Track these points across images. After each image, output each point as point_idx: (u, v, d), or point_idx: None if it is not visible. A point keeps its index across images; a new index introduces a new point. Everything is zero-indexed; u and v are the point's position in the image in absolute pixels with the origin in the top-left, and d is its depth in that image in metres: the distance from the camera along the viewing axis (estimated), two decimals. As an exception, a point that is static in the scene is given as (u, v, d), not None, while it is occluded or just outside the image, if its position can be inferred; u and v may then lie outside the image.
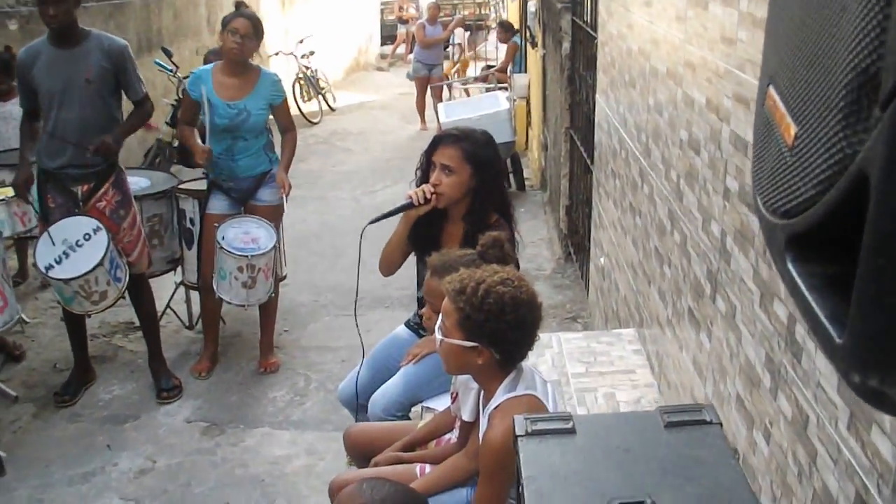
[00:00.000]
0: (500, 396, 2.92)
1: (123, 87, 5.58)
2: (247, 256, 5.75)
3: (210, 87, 5.81)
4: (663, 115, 4.23)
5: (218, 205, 5.98)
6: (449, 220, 4.19)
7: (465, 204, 4.11)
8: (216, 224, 5.84)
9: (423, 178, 4.18)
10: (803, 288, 0.74)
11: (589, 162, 6.77)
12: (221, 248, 5.75)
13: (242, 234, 5.85)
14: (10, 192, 6.40)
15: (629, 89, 5.03)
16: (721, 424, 2.05)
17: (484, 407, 3.05)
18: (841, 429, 2.33)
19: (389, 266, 4.39)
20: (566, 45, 7.88)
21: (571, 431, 1.97)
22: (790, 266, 0.77)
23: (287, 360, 6.40)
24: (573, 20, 7.68)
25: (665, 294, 4.23)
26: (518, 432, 1.96)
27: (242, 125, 5.79)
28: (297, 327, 6.91)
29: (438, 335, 2.88)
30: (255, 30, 5.81)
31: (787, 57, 0.84)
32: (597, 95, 6.22)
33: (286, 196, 5.93)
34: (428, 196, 4.03)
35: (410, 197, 4.08)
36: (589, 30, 6.67)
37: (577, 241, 7.67)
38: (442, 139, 4.15)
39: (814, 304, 0.73)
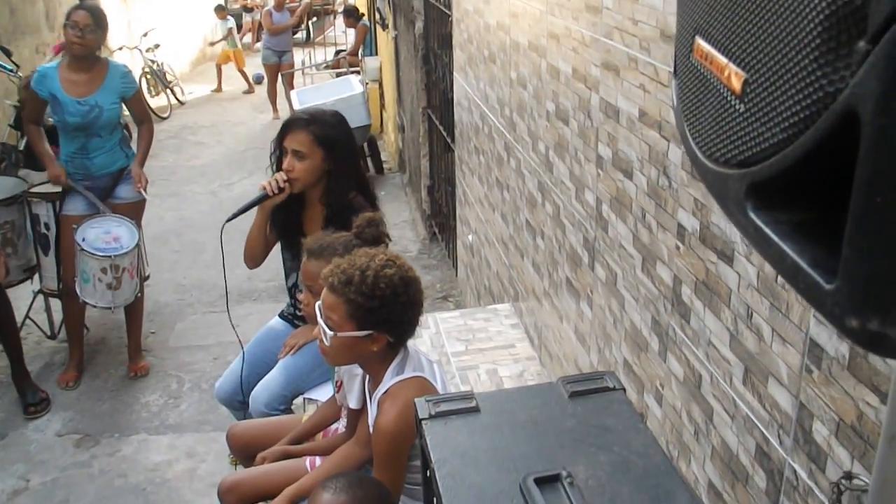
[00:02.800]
0: (388, 381, 2.87)
1: None
2: (110, 257, 5.55)
3: (57, 84, 5.58)
4: (527, 88, 4.22)
5: (76, 206, 5.76)
6: (308, 203, 4.13)
7: (322, 186, 4.05)
8: (74, 226, 5.62)
9: (278, 166, 4.12)
10: (774, 237, 0.71)
11: (449, 140, 6.74)
12: (82, 249, 5.53)
13: (103, 234, 5.64)
14: None
15: (489, 65, 5.01)
16: (624, 390, 2.03)
17: (371, 393, 3.00)
18: (736, 384, 2.35)
19: (254, 258, 4.30)
20: (419, 24, 7.83)
21: (475, 410, 1.93)
22: (753, 216, 0.74)
23: (157, 362, 6.22)
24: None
25: (540, 266, 4.23)
26: (421, 416, 1.90)
27: (95, 122, 5.59)
28: (164, 328, 6.73)
29: (327, 331, 2.80)
30: (97, 22, 5.59)
31: (719, 6, 0.81)
32: (454, 73, 6.20)
33: (144, 189, 5.76)
34: (281, 185, 3.97)
35: (264, 188, 4.01)
36: (442, 7, 6.64)
37: (441, 221, 7.66)
38: (291, 124, 4.07)
39: (791, 253, 0.69)
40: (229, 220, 3.95)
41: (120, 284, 5.67)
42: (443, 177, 7.46)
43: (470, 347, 4.42)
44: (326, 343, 2.81)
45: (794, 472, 2.08)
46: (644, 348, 3.02)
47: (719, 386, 2.46)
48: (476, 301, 5.89)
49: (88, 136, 5.64)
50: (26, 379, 5.85)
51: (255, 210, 4.10)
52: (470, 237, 5.99)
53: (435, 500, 1.80)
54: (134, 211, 5.83)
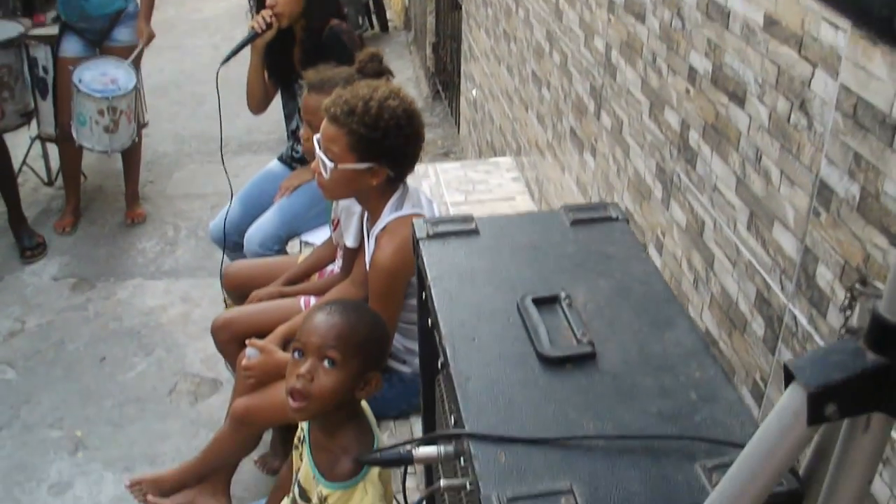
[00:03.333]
0: (386, 217, 2.83)
1: None
2: (107, 98, 5.43)
3: None
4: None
5: (71, 47, 5.63)
6: (296, 40, 4.10)
7: (304, 18, 4.03)
8: (71, 67, 5.50)
9: (258, 6, 4.09)
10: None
11: (457, -5, 6.60)
12: (79, 90, 5.42)
13: (100, 76, 5.51)
14: None
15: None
16: (628, 220, 1.98)
17: (369, 230, 2.96)
18: (740, 230, 2.30)
19: (255, 102, 4.28)
20: None
21: (475, 232, 1.88)
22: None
23: (154, 210, 6.16)
24: None
25: (544, 118, 4.16)
26: (419, 235, 1.86)
27: None
28: (161, 177, 6.65)
29: (327, 163, 2.73)
30: None
31: None
32: (461, -76, 6.04)
33: (145, 45, 5.64)
34: (268, 20, 3.95)
35: (253, 27, 3.98)
36: None
37: (444, 79, 7.54)
38: None
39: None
40: (223, 63, 3.97)
41: (117, 128, 5.57)
42: (448, 34, 7.32)
43: (469, 198, 4.36)
44: (326, 176, 2.75)
45: (795, 318, 2.05)
46: (647, 196, 2.97)
47: (722, 232, 2.41)
48: (478, 157, 5.82)
49: None
50: (23, 224, 5.81)
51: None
52: (474, 92, 5.89)
53: (430, 319, 1.76)
54: (130, 55, 5.68)
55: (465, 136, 6.40)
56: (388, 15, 10.57)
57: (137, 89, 5.66)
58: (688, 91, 2.59)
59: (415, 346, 3.01)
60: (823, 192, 1.89)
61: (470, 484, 1.39)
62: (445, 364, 1.56)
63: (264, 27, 3.95)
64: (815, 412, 1.00)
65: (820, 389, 0.99)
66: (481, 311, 1.65)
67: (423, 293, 1.83)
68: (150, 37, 5.71)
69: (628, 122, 3.10)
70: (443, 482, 1.49)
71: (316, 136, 2.80)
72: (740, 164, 2.28)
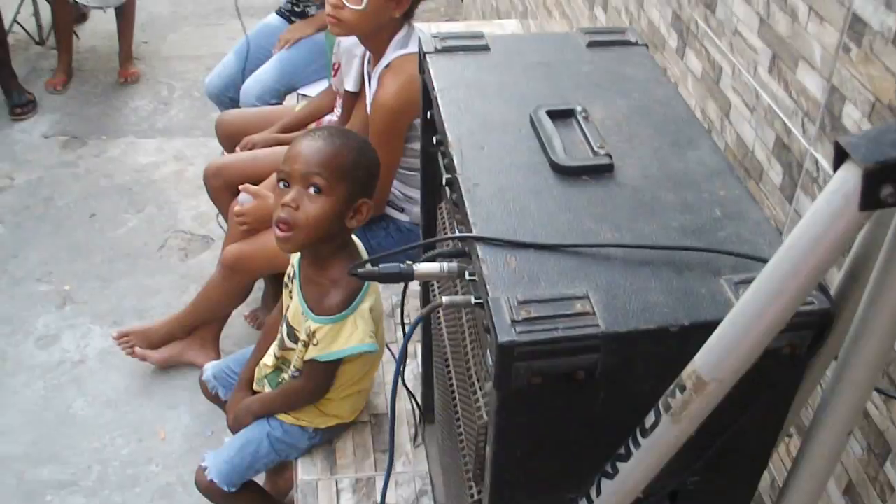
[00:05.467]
0: (390, 54, 2.73)
1: None
2: None
3: None
4: None
5: None
6: None
7: None
8: None
9: None
10: None
11: None
12: None
13: None
14: None
15: None
16: (647, 46, 1.86)
17: (370, 72, 2.85)
18: (761, 74, 2.18)
19: None
20: None
21: (485, 48, 1.77)
22: None
23: (148, 70, 6.01)
24: None
25: (554, -25, 4.02)
26: (426, 49, 1.74)
27: None
28: (156, 38, 6.48)
29: None
30: None
31: None
32: None
33: None
34: None
35: None
36: None
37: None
38: None
39: None
40: None
41: None
42: None
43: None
44: (358, 7, 2.62)
45: (816, 162, 1.94)
46: (661, 47, 2.85)
47: (741, 78, 2.30)
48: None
49: None
50: (13, 81, 5.65)
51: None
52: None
53: (435, 137, 1.66)
54: None
55: (469, 3, 6.24)
56: None
57: None
58: (710, -70, 2.46)
59: (414, 193, 2.93)
60: (856, 27, 1.77)
61: (476, 298, 1.29)
62: (451, 173, 1.46)
63: None
64: (870, 193, 0.89)
65: (878, 167, 0.88)
66: (491, 122, 1.55)
67: (429, 112, 1.72)
68: None
69: (643, -31, 2.97)
70: (445, 298, 1.40)
71: None
72: (764, 4, 2.16)
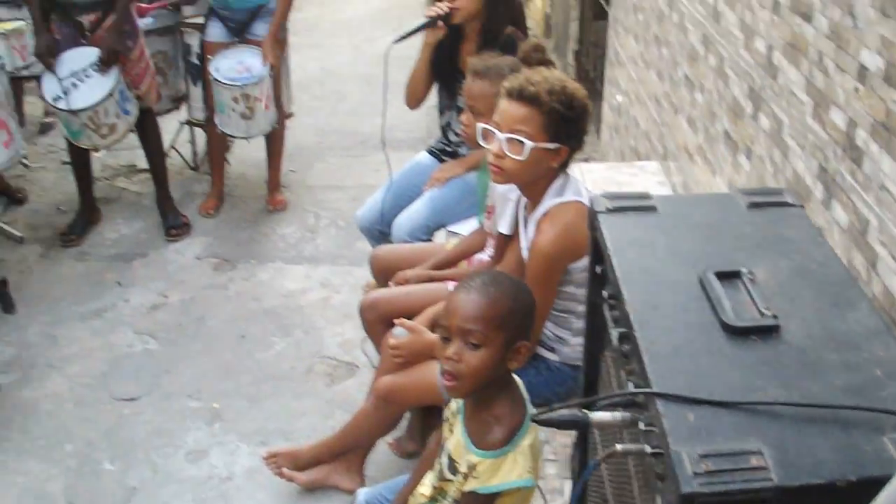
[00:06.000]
0: (547, 202, 2.86)
1: None
2: (239, 86, 5.55)
3: None
4: (695, -64, 4.08)
5: (215, 32, 5.79)
6: (464, 38, 4.15)
7: (481, 19, 4.04)
8: (209, 56, 5.69)
9: None
10: None
11: (603, 2, 6.60)
12: (215, 79, 5.58)
13: (236, 65, 5.63)
14: (8, 25, 6.23)
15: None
16: (803, 207, 1.98)
17: (527, 217, 2.99)
18: (908, 228, 2.27)
19: (416, 96, 4.32)
20: None
21: (652, 209, 1.90)
22: None
23: (295, 198, 6.29)
24: None
25: (695, 121, 4.14)
26: (598, 209, 1.88)
27: None
28: (303, 168, 6.78)
29: (526, 142, 2.75)
30: None
31: None
32: (613, -70, 6.04)
33: (270, 65, 5.67)
34: (446, 10, 3.97)
35: (429, 15, 4.03)
36: None
37: (586, 86, 7.50)
38: None
39: None
40: (396, 42, 4.03)
41: (253, 114, 5.68)
42: (591, 41, 7.33)
43: (615, 199, 4.37)
44: (521, 157, 2.77)
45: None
46: (806, 197, 2.93)
47: (887, 230, 2.38)
48: (620, 162, 5.81)
49: None
50: (170, 203, 5.99)
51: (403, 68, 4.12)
52: (618, 98, 5.89)
53: (606, 291, 1.78)
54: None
55: (607, 142, 6.39)
56: (528, 23, 10.61)
57: (272, 76, 5.70)
58: (856, 90, 2.56)
59: (564, 333, 3.04)
60: None
61: (653, 446, 1.40)
62: (629, 330, 1.58)
63: (440, 15, 3.98)
64: None
65: None
66: (662, 281, 1.67)
67: (597, 267, 1.85)
68: (274, 59, 5.75)
69: (789, 122, 3.07)
70: (619, 446, 1.51)
71: (495, 118, 2.83)
72: (911, 164, 2.25)
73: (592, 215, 1.89)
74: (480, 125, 2.84)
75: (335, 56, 9.78)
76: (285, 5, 5.72)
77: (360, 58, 9.57)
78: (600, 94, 6.64)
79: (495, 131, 2.79)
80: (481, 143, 2.86)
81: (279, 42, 5.83)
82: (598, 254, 1.84)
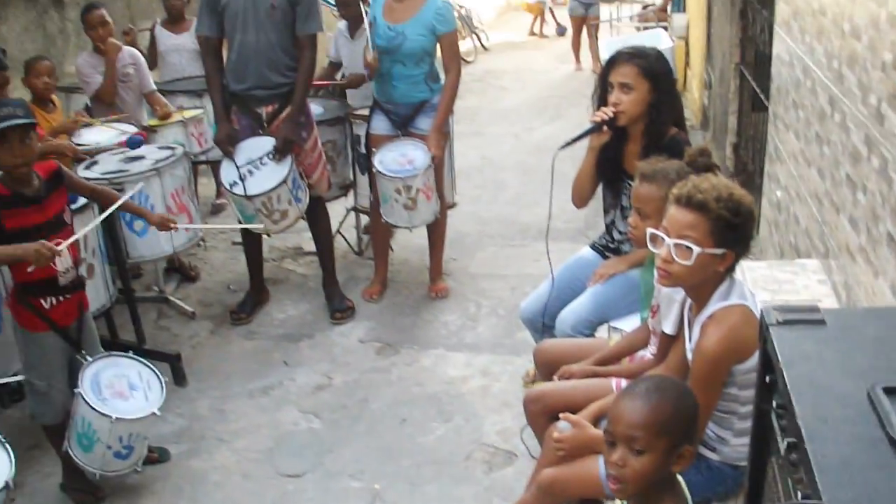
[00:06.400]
0: (713, 305, 2.93)
1: (296, 18, 5.61)
2: (401, 178, 5.76)
3: (380, 8, 5.88)
4: (862, 40, 4.13)
5: (380, 125, 6.07)
6: (628, 139, 4.22)
7: (645, 120, 4.13)
8: (374, 149, 5.95)
9: (601, 102, 4.21)
10: None
11: (763, 97, 6.64)
12: (378, 171, 5.82)
13: (399, 157, 5.87)
14: (188, 113, 6.63)
15: (818, 17, 4.91)
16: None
17: (692, 319, 3.06)
18: None
19: (582, 196, 4.41)
20: (739, -22, 7.72)
21: (821, 322, 1.97)
22: None
23: (456, 286, 6.46)
24: (747, -47, 7.52)
25: (858, 222, 4.15)
26: (768, 321, 1.97)
27: (399, 49, 5.79)
28: (464, 256, 6.96)
29: (694, 248, 2.84)
30: None
31: None
32: (776, 27, 6.09)
33: (433, 159, 5.85)
34: (610, 115, 4.07)
35: (594, 121, 4.12)
36: (768, -39, 6.52)
37: (744, 180, 7.55)
38: (616, 58, 4.16)
39: None
40: (562, 148, 4.09)
41: (415, 205, 5.88)
42: (750, 134, 7.36)
43: (776, 297, 4.38)
44: (688, 262, 2.86)
45: None
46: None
47: None
48: (779, 258, 5.81)
49: (393, 62, 5.85)
50: (336, 287, 6.23)
51: (571, 150, 4.20)
52: (778, 193, 5.91)
53: (775, 401, 1.86)
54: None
55: (766, 238, 6.39)
56: (686, 114, 10.68)
57: (432, 167, 5.86)
58: None
59: (726, 434, 3.09)
60: None
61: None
62: (799, 441, 1.66)
63: (605, 121, 4.09)
64: None
65: None
66: (831, 395, 1.74)
67: (767, 376, 1.93)
68: (438, 152, 5.92)
69: (956, 230, 3.09)
70: (788, 553, 1.59)
71: (664, 223, 2.93)
72: None
73: (763, 327, 1.98)
74: (649, 230, 2.95)
75: (495, 144, 10.02)
76: (449, 100, 5.94)
77: (520, 146, 9.79)
78: (759, 188, 6.66)
79: (664, 236, 2.88)
80: (649, 246, 2.97)
81: (443, 134, 6.04)
82: (768, 364, 1.92)
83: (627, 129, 4.17)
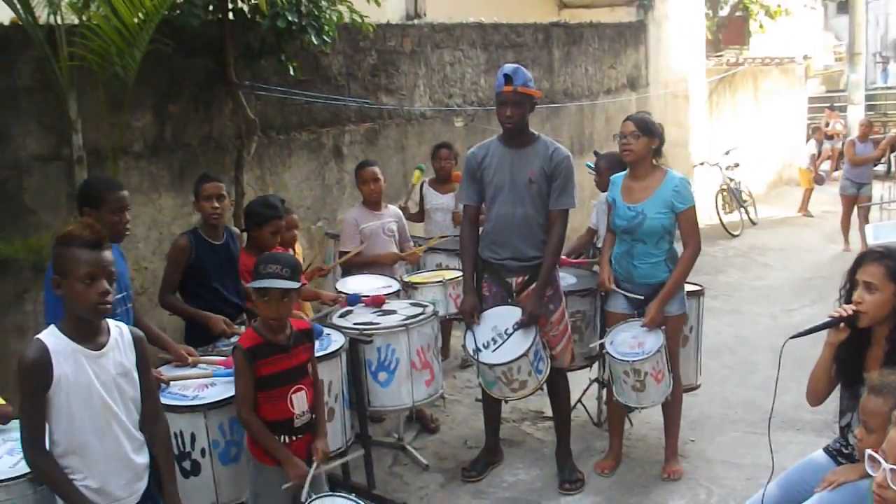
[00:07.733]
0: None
1: (552, 193, 5.81)
2: (629, 361, 5.78)
3: (618, 189, 6.01)
4: None
5: (617, 303, 6.11)
6: (872, 341, 4.09)
7: (890, 324, 4.00)
8: (608, 329, 6.01)
9: (847, 298, 4.12)
10: None
11: None
12: (607, 352, 5.88)
13: (630, 339, 5.89)
14: (447, 275, 6.87)
15: None
16: None
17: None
18: None
19: (816, 394, 4.31)
20: None
21: None
22: None
23: (690, 469, 6.30)
24: None
25: None
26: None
27: (638, 228, 5.85)
28: (703, 438, 6.80)
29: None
30: (642, 129, 5.88)
31: None
32: None
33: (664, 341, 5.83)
34: (850, 313, 3.97)
35: (832, 316, 4.03)
36: None
37: None
38: (865, 257, 4.09)
39: None
40: (793, 337, 4.04)
41: (644, 387, 5.86)
42: None
43: None
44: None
45: None
46: None
47: None
48: None
49: (633, 242, 5.93)
50: (568, 457, 6.23)
51: (820, 341, 4.11)
52: None
53: None
54: (670, 325, 5.97)
55: None
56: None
57: (662, 351, 5.81)
58: None
59: None
60: None
61: None
62: None
63: (843, 317, 4.00)
64: None
65: None
66: None
67: None
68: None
69: None
70: None
71: (868, 450, 2.84)
72: None
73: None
74: (868, 451, 2.86)
75: (751, 324, 9.84)
76: (682, 273, 5.94)
77: (776, 328, 9.56)
78: None
79: (881, 461, 2.79)
80: (866, 467, 2.87)
81: (679, 318, 6.05)
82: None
83: (872, 332, 4.06)
